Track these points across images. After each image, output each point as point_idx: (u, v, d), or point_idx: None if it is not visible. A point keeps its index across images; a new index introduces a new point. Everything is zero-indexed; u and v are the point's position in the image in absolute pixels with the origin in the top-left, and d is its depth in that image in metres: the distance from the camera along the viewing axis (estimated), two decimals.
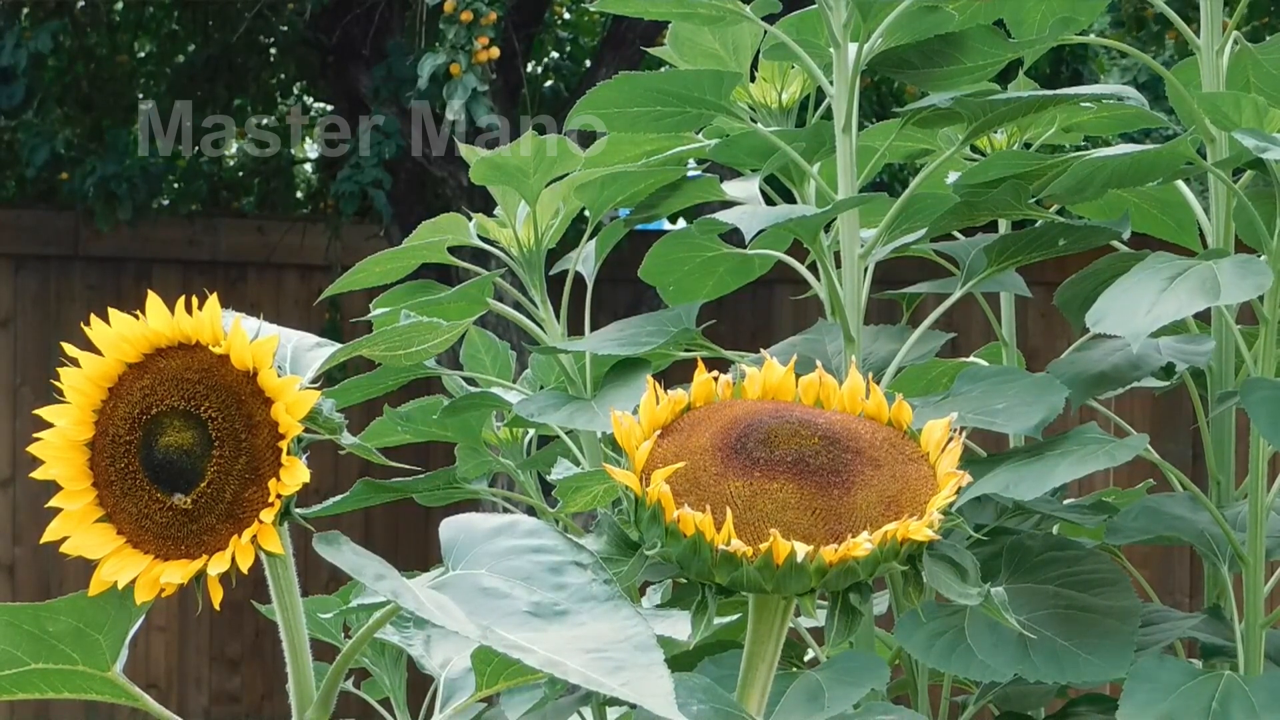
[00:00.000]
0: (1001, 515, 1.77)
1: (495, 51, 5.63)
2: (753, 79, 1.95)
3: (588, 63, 7.16)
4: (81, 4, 6.91)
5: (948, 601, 1.29)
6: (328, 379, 1.12)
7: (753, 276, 2.04)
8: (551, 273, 1.94)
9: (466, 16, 5.55)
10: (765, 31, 1.83)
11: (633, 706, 0.96)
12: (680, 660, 1.60)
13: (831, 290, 1.81)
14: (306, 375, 1.09)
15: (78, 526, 1.03)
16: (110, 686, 1.07)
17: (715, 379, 1.13)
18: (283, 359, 1.10)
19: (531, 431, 2.00)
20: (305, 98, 7.67)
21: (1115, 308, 1.60)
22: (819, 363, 1.17)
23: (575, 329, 1.93)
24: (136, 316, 1.02)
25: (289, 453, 1.00)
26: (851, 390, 1.13)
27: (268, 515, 1.00)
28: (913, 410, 1.11)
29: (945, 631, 1.61)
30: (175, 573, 1.01)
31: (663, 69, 1.89)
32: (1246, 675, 1.66)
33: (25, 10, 6.51)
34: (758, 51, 1.93)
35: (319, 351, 1.11)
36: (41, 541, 1.03)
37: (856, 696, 1.55)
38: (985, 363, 1.99)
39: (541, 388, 1.93)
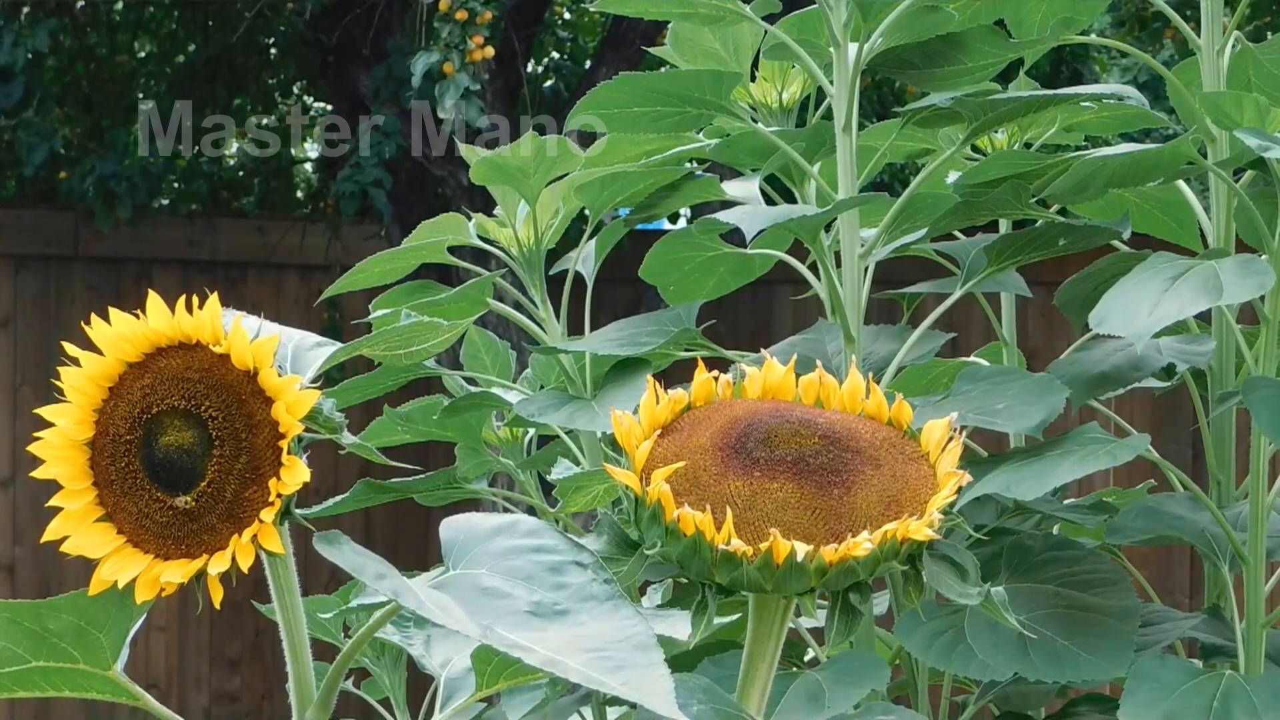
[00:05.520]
0: (1002, 515, 1.76)
1: (490, 51, 5.62)
2: (753, 79, 1.95)
3: (588, 63, 7.16)
4: (81, 4, 6.91)
5: (948, 601, 1.29)
6: (328, 379, 1.12)
7: (753, 276, 2.04)
8: (551, 273, 1.94)
9: (462, 15, 5.54)
10: (765, 31, 1.83)
11: (633, 706, 0.96)
12: (680, 660, 1.60)
13: (832, 290, 1.81)
14: (307, 375, 1.09)
15: (78, 526, 1.03)
16: (111, 685, 1.07)
17: (715, 379, 1.12)
18: (283, 358, 1.10)
19: (531, 431, 2.00)
20: (305, 98, 7.67)
21: (1118, 308, 1.60)
22: (819, 362, 1.16)
23: (575, 329, 1.93)
24: (137, 316, 1.02)
25: (289, 452, 1.00)
26: (851, 390, 1.12)
27: (268, 515, 1.00)
28: (913, 410, 1.11)
29: (945, 631, 1.60)
30: (175, 572, 1.01)
31: (663, 69, 1.89)
32: (1247, 675, 1.65)
33: (25, 10, 6.51)
34: (758, 51, 1.93)
35: (319, 351, 1.11)
36: (41, 541, 1.03)
37: (857, 696, 1.55)
38: (985, 363, 1.99)
39: (541, 388, 1.92)
